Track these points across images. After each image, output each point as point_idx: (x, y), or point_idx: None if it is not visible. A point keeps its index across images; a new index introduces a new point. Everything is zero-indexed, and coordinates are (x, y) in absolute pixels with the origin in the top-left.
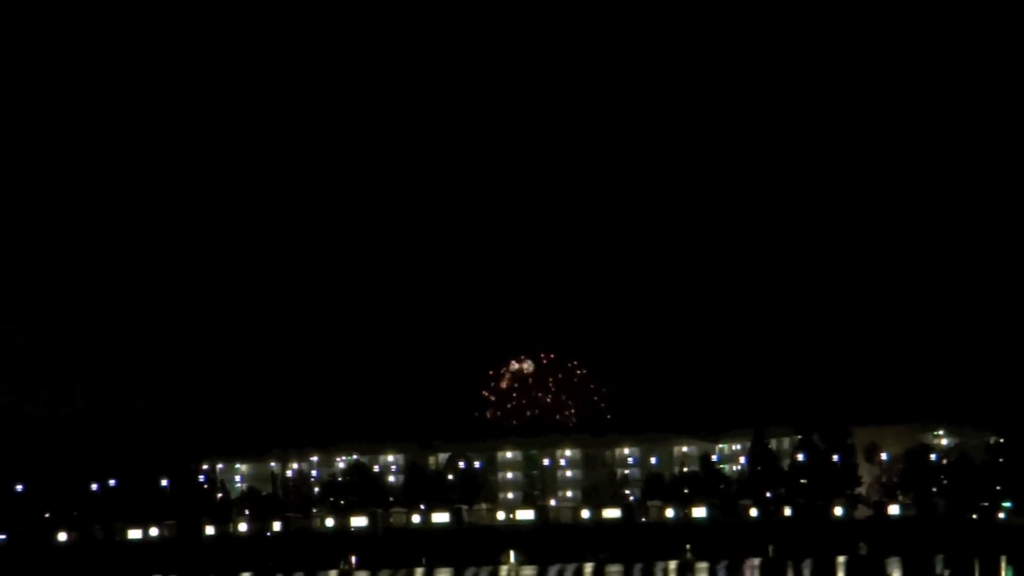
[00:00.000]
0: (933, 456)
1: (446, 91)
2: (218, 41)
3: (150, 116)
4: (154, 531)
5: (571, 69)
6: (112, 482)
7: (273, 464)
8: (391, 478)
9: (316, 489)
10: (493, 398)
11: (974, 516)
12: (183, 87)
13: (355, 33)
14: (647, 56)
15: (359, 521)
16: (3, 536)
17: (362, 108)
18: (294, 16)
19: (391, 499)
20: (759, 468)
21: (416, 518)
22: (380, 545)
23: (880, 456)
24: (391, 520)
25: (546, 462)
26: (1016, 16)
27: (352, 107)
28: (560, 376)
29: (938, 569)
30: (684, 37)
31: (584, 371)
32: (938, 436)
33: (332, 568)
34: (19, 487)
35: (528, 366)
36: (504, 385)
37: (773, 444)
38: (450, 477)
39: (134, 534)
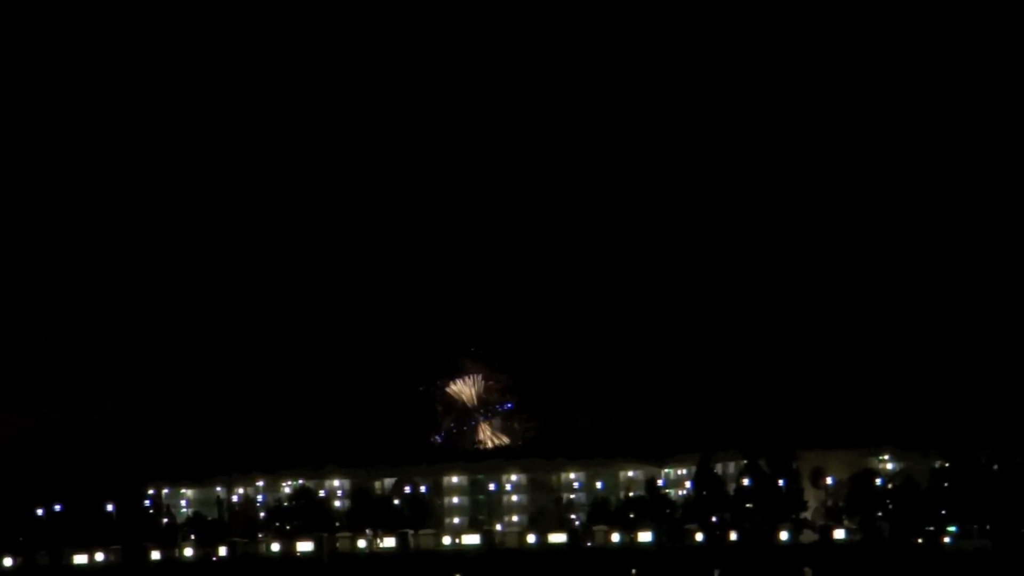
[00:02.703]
0: (879, 480)
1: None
2: (218, 41)
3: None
4: (100, 556)
5: (542, 82)
6: (57, 507)
7: (219, 489)
8: (337, 503)
9: (262, 514)
10: (439, 421)
11: (919, 540)
12: (164, 91)
13: (352, 33)
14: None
15: (305, 546)
16: None
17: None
18: (294, 16)
19: (337, 524)
20: (705, 492)
21: (362, 543)
22: (326, 570)
23: (826, 480)
24: (337, 545)
25: (492, 487)
26: (1016, 16)
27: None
28: (502, 397)
29: None
30: (680, 37)
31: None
32: (883, 460)
33: None
34: None
35: (468, 387)
36: (445, 408)
37: (719, 468)
38: (396, 502)
39: (80, 559)
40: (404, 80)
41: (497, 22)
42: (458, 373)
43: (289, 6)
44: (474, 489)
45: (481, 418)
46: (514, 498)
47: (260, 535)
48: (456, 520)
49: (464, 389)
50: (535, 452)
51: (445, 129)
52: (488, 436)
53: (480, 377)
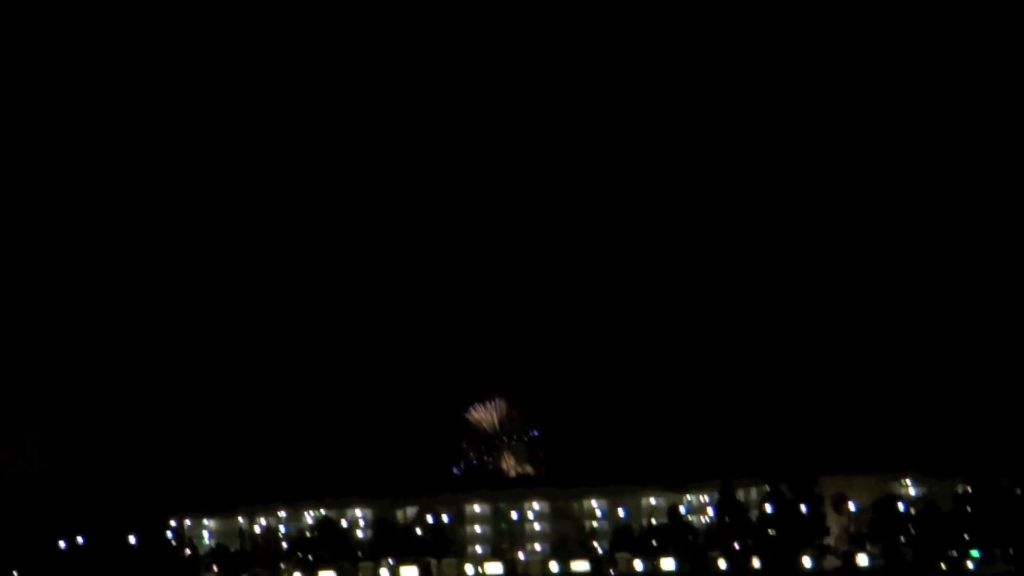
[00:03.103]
0: (901, 506)
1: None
2: (218, 41)
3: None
4: None
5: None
6: (80, 540)
7: (241, 520)
8: (359, 533)
9: (284, 544)
10: (461, 450)
11: (943, 565)
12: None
13: (352, 33)
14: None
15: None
16: None
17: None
18: (294, 16)
19: (359, 554)
20: (727, 519)
21: (385, 572)
22: None
23: (848, 506)
24: (360, 575)
25: (514, 515)
26: (1016, 16)
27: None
28: (525, 425)
29: None
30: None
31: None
32: (906, 486)
33: None
34: None
35: (491, 414)
36: (467, 437)
37: (741, 495)
38: (419, 531)
39: None
40: (428, 106)
41: (497, 22)
42: (480, 401)
43: (289, 6)
44: (497, 518)
45: (504, 447)
46: (537, 526)
47: (283, 565)
48: (479, 549)
49: (486, 417)
50: (557, 480)
51: (470, 155)
52: (511, 465)
53: (503, 404)
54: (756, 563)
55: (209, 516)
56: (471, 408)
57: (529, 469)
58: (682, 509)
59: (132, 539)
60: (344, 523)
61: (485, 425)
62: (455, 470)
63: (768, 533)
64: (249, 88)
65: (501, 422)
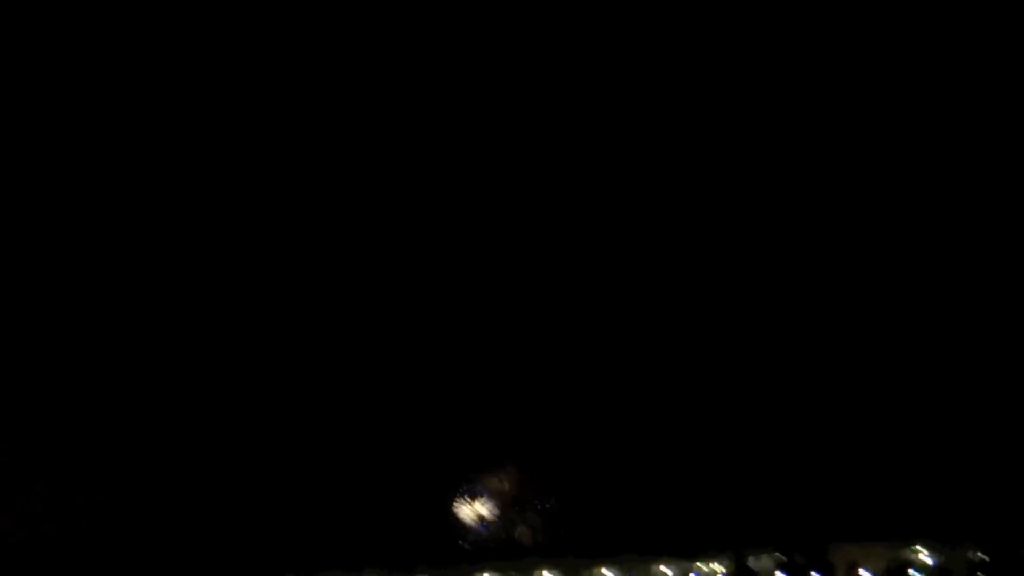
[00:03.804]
0: (914, 573)
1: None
2: (218, 40)
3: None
4: None
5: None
6: None
7: None
8: None
9: None
10: (470, 521)
11: None
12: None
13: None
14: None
15: None
16: None
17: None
18: (294, 16)
19: None
20: None
21: None
22: None
23: (860, 574)
24: None
25: None
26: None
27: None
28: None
29: None
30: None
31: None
32: (919, 552)
33: None
34: None
35: (504, 483)
36: (475, 508)
37: (753, 563)
38: None
39: None
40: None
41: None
42: (492, 469)
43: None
44: None
45: (516, 516)
46: None
47: None
48: None
49: (498, 487)
50: (568, 550)
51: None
52: (523, 534)
53: (515, 473)
54: None
55: None
56: (483, 477)
57: (540, 538)
58: None
59: None
60: None
61: (496, 495)
62: (465, 541)
63: None
64: (249, 88)
65: (513, 492)
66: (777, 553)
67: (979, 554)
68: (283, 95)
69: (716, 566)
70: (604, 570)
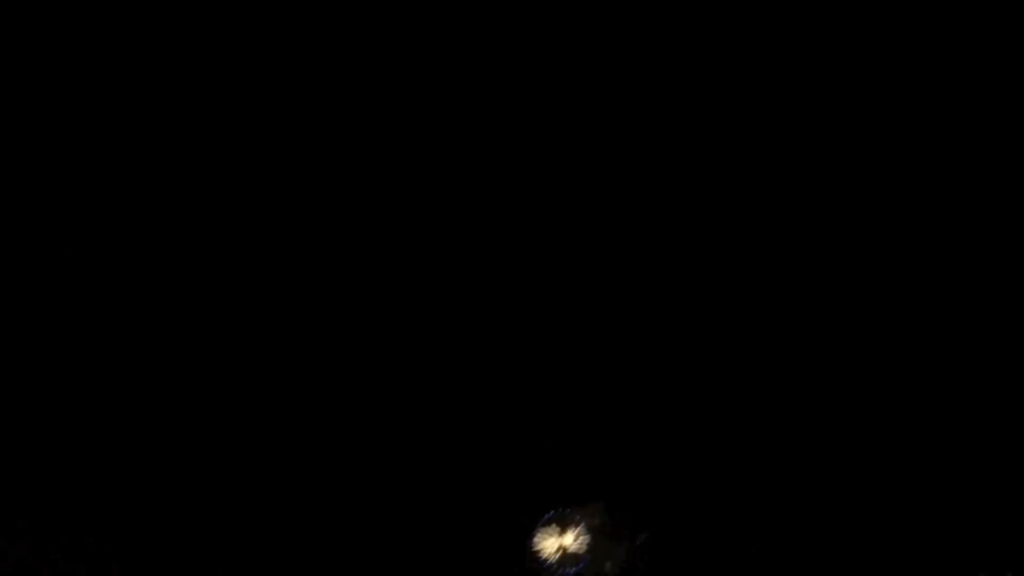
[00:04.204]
0: None
1: None
2: (218, 40)
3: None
4: None
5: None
6: None
7: None
8: None
9: None
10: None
11: None
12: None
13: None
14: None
15: None
16: None
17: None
18: (294, 15)
19: None
20: None
21: None
22: None
23: None
24: None
25: None
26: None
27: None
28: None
29: None
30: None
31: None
32: None
33: None
34: None
35: (581, 520)
36: (558, 540)
37: None
38: None
39: None
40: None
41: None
42: (576, 506)
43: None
44: None
45: (605, 553)
46: None
47: None
48: None
49: (584, 520)
50: None
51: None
52: (615, 573)
53: (602, 507)
54: None
55: None
56: (568, 508)
57: (629, 569)
58: None
59: None
60: None
61: (582, 527)
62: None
63: None
64: (249, 88)
65: (601, 524)
66: None
67: None
68: (282, 95)
69: None
70: None
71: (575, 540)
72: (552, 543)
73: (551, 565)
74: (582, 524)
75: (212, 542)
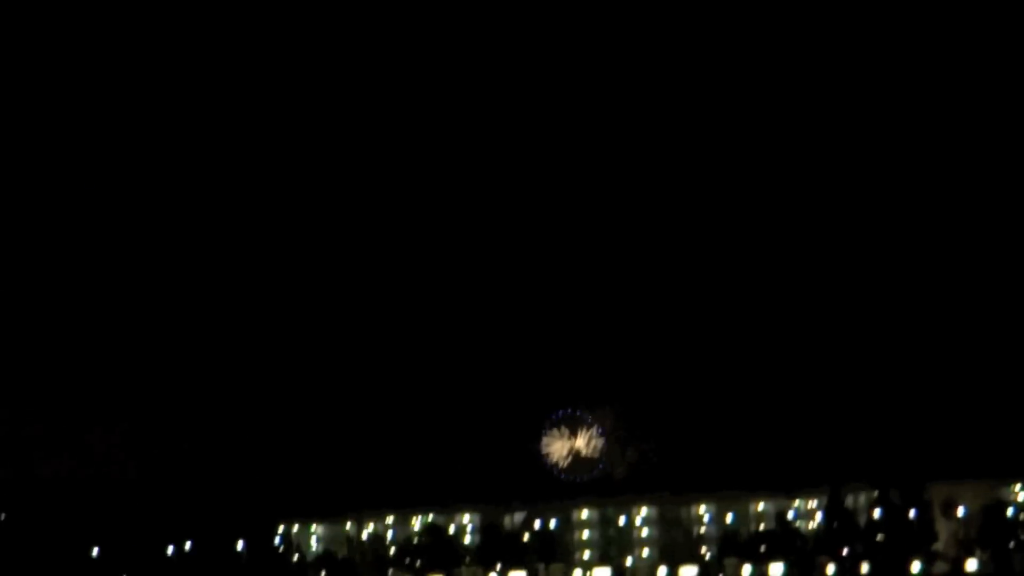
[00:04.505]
0: (1011, 511)
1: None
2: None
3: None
4: None
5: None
6: (188, 545)
7: (349, 526)
8: (467, 539)
9: (392, 551)
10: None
11: None
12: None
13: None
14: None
15: None
16: None
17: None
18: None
19: (467, 559)
20: (835, 525)
21: None
22: None
23: (957, 512)
24: None
25: (622, 521)
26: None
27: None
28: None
29: None
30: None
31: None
32: (1016, 492)
33: None
34: (96, 551)
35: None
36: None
37: (849, 501)
38: (526, 537)
39: None
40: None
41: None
42: (588, 411)
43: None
44: (604, 523)
45: (615, 454)
46: (644, 532)
47: (390, 572)
48: (587, 554)
49: (596, 424)
50: (665, 486)
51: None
52: (625, 472)
53: (612, 412)
54: (864, 569)
55: (317, 522)
56: (581, 413)
57: (638, 475)
58: (790, 515)
59: (240, 545)
60: (452, 529)
61: (594, 431)
62: (561, 475)
63: (876, 539)
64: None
65: (611, 427)
66: (873, 491)
67: None
68: (282, 95)
69: (812, 503)
70: (701, 506)
71: (587, 444)
72: (562, 446)
73: (562, 468)
74: (594, 427)
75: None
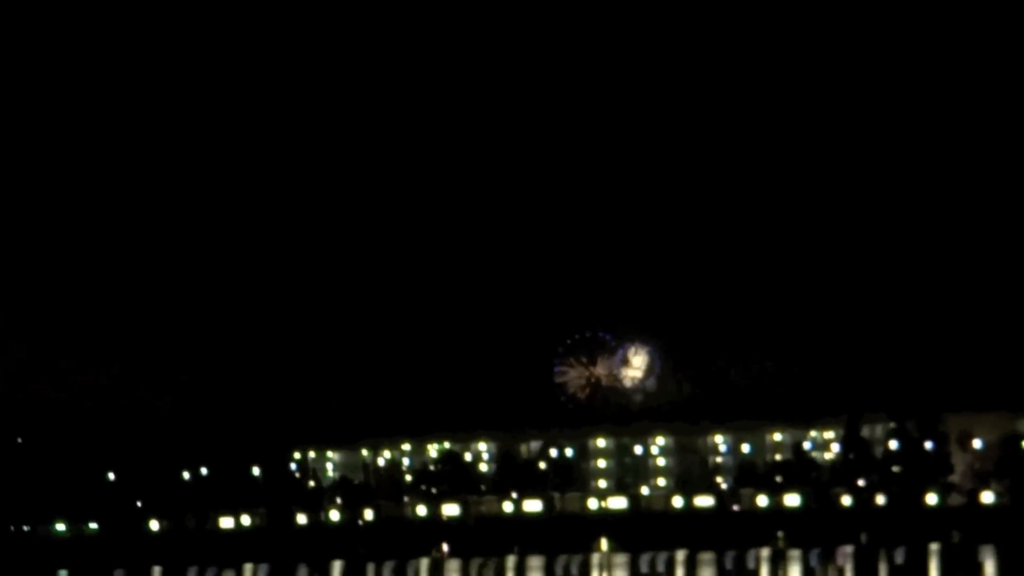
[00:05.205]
0: None
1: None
2: (217, 40)
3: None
4: (246, 519)
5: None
6: (204, 471)
7: (365, 453)
8: (483, 466)
9: (408, 477)
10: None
11: None
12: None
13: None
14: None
15: (451, 509)
16: (96, 524)
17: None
18: (294, 15)
19: (483, 487)
20: (852, 456)
21: (508, 506)
22: (472, 533)
23: (973, 444)
24: (483, 508)
25: (638, 450)
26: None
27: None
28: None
29: None
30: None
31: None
32: None
33: (424, 556)
34: (112, 476)
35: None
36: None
37: (866, 432)
38: (542, 465)
39: (226, 523)
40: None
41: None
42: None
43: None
44: (620, 452)
45: (632, 383)
46: (660, 461)
47: (406, 499)
48: (602, 483)
49: (611, 354)
50: (682, 416)
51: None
52: (640, 401)
53: (628, 342)
54: (880, 500)
55: (333, 449)
56: (598, 342)
57: (654, 404)
58: (807, 445)
59: (256, 470)
60: (468, 457)
61: (610, 360)
62: (577, 403)
63: (893, 470)
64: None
65: (627, 357)
66: (890, 422)
67: None
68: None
69: (829, 434)
70: (717, 436)
71: (607, 374)
72: (578, 375)
73: (580, 398)
74: (615, 356)
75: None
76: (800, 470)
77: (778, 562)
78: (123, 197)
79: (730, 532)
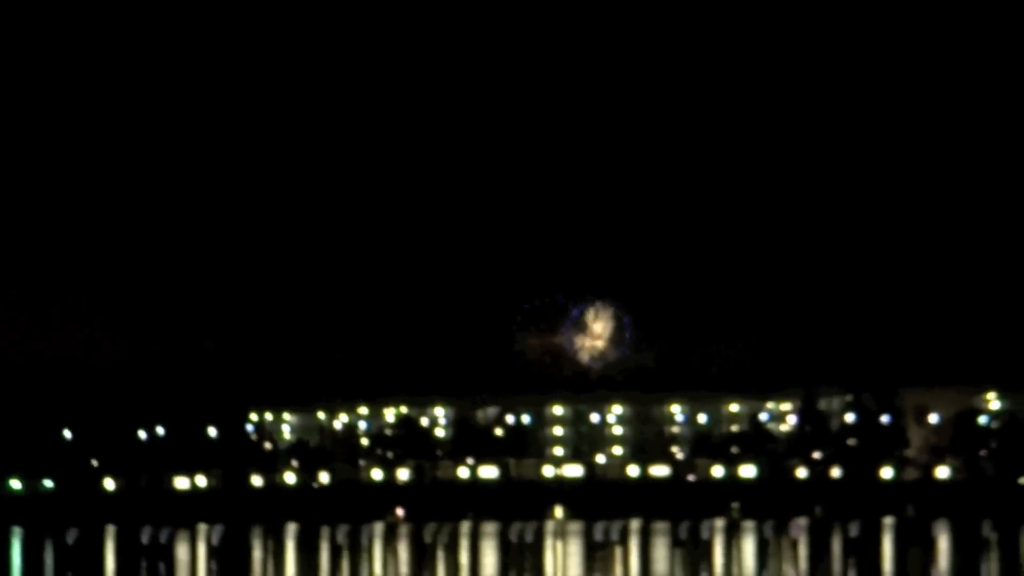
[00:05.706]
0: (983, 419)
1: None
2: (217, 40)
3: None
4: (201, 480)
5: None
6: (160, 430)
7: (321, 416)
8: (439, 431)
9: (364, 441)
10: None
11: (1022, 480)
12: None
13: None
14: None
15: (406, 474)
16: (51, 482)
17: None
18: (294, 15)
19: (439, 452)
20: (808, 428)
21: (464, 471)
22: (427, 498)
23: (929, 419)
24: (438, 473)
25: (595, 418)
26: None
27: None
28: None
29: (985, 533)
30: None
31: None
32: (988, 400)
33: (378, 520)
34: (67, 434)
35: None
36: (549, 339)
37: (823, 404)
38: (498, 431)
39: (181, 483)
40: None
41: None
42: (563, 307)
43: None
44: (577, 420)
45: (590, 351)
46: (617, 430)
47: (362, 462)
48: (558, 451)
49: (572, 321)
50: (639, 385)
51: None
52: (598, 370)
53: (588, 310)
54: (835, 473)
55: (290, 411)
56: (557, 309)
57: (611, 372)
58: (763, 417)
59: (212, 431)
60: (424, 421)
61: (570, 328)
62: (537, 370)
63: (848, 443)
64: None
65: (587, 325)
66: (847, 395)
67: None
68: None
69: (785, 406)
70: (674, 406)
71: (562, 338)
72: (538, 341)
73: (540, 364)
74: (575, 323)
75: None
76: (756, 441)
77: (732, 533)
78: (92, 160)
79: (685, 502)
